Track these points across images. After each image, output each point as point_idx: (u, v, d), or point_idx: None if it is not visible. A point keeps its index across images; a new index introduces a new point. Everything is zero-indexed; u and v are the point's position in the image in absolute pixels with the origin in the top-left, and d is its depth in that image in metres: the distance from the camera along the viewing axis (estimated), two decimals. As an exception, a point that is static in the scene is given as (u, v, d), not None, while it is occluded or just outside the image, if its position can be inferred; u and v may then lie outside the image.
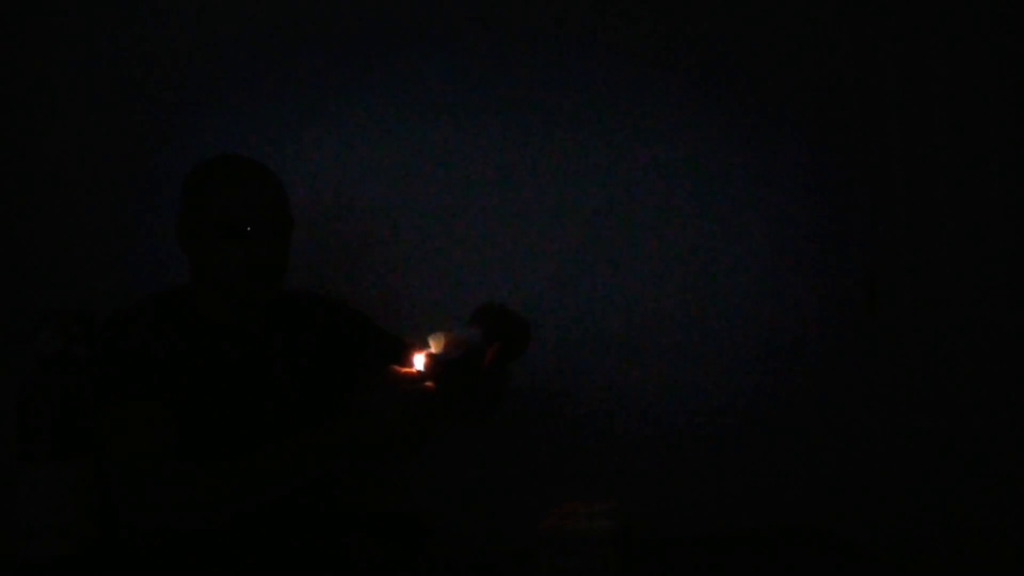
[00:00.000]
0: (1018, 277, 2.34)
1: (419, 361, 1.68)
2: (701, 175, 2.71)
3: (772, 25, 2.74)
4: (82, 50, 2.37)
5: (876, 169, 2.77)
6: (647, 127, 2.67)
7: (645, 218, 2.67)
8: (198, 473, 1.64)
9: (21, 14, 2.34)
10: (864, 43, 2.77)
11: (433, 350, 1.69)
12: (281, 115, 2.46)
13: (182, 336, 1.83)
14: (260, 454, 1.68)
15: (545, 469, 2.45)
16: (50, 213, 2.34)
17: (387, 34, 2.53)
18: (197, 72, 2.42)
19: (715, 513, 2.61)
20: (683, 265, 2.69)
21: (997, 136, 2.39)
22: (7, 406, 1.35)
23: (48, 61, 2.36)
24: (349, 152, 2.50)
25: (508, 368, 1.94)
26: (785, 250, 2.75)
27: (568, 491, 1.53)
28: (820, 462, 2.73)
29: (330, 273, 2.46)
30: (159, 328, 1.82)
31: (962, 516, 2.46)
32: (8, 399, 1.35)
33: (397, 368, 1.67)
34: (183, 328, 1.84)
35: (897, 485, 2.69)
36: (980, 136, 2.43)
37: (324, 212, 2.48)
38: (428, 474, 2.53)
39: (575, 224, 2.63)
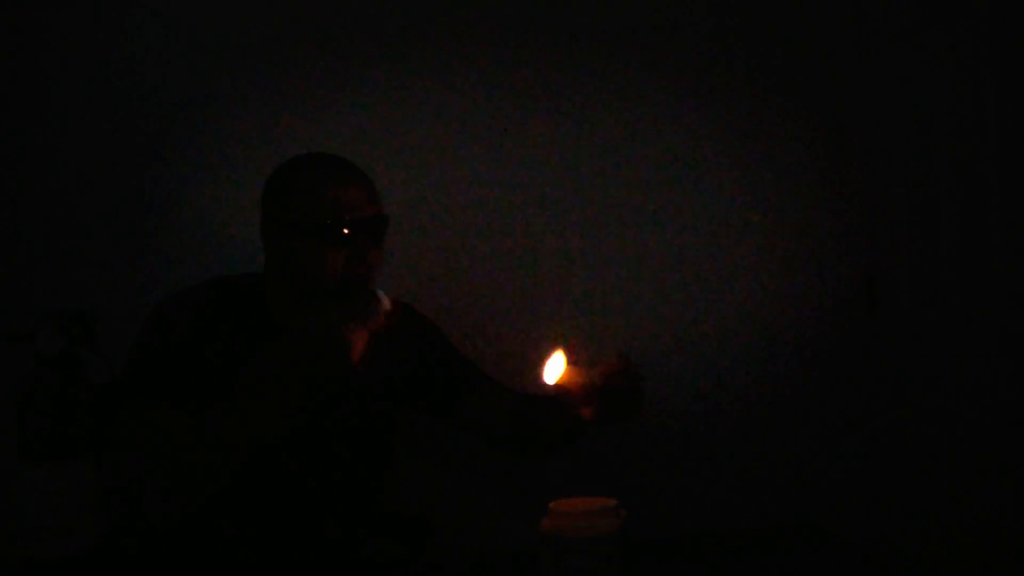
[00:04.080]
0: (1018, 277, 2.34)
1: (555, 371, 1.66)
2: (701, 175, 2.71)
3: (772, 25, 2.74)
4: (83, 49, 2.37)
5: (876, 169, 2.77)
6: (646, 127, 2.67)
7: (645, 217, 2.67)
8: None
9: (22, 13, 2.34)
10: (864, 42, 2.77)
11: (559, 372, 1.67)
12: (284, 114, 2.46)
13: (240, 331, 1.79)
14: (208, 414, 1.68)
15: (545, 469, 2.45)
16: (50, 213, 2.35)
17: (391, 32, 2.53)
18: (199, 71, 2.42)
19: (715, 513, 2.62)
20: (683, 264, 2.69)
21: (996, 136, 2.39)
22: (7, 406, 1.35)
23: (49, 60, 2.36)
24: (353, 151, 2.50)
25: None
26: (785, 250, 2.75)
27: (568, 491, 1.52)
28: (820, 462, 2.73)
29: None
30: (215, 320, 1.78)
31: (962, 516, 2.46)
32: (8, 399, 1.35)
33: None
34: (242, 322, 1.80)
35: (897, 485, 2.69)
36: (979, 136, 2.43)
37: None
38: (430, 475, 2.53)
39: (575, 224, 2.63)
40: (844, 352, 2.77)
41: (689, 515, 2.60)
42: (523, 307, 2.57)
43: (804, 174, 2.76)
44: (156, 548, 1.74)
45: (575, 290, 2.63)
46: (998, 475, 2.38)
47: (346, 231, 1.74)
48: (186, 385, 1.71)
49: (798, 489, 2.70)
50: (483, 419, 1.98)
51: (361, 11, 2.51)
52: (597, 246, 2.64)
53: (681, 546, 1.72)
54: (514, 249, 2.59)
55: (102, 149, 2.38)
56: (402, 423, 2.06)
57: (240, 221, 2.26)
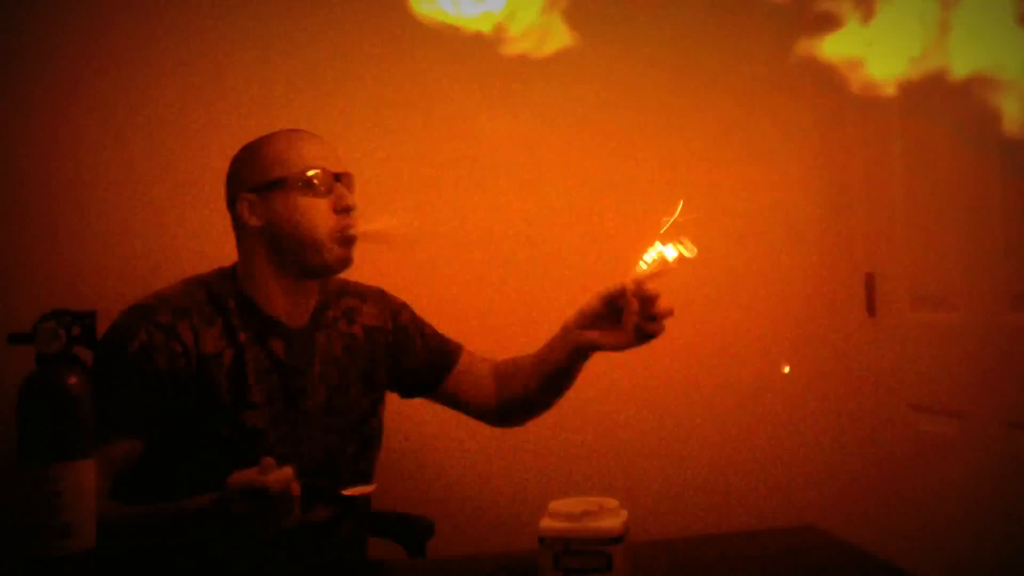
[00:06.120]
0: (1018, 277, 2.34)
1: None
2: (697, 174, 2.71)
3: (772, 22, 2.74)
4: (82, 49, 2.37)
5: (876, 169, 2.77)
6: (646, 125, 2.67)
7: (641, 216, 2.67)
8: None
9: (21, 11, 2.34)
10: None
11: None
12: (281, 113, 2.46)
13: (219, 327, 1.80)
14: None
15: (545, 469, 2.45)
16: (50, 213, 2.35)
17: (388, 29, 2.53)
18: (197, 71, 2.42)
19: (715, 513, 2.62)
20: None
21: (996, 136, 2.39)
22: (7, 406, 1.35)
23: (48, 61, 2.36)
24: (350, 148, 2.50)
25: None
26: (785, 250, 2.75)
27: (568, 491, 1.52)
28: (820, 462, 2.73)
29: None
30: (205, 327, 1.78)
31: (962, 516, 2.46)
32: (8, 399, 1.35)
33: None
34: (221, 318, 1.80)
35: (896, 485, 2.69)
36: (979, 136, 2.43)
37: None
38: (430, 475, 2.53)
39: (573, 222, 2.64)
40: (844, 352, 2.77)
41: (689, 515, 2.60)
42: (513, 309, 2.57)
43: (804, 173, 2.76)
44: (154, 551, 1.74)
45: (569, 290, 2.62)
46: (997, 475, 2.38)
47: (336, 175, 1.81)
48: (183, 416, 1.72)
49: (798, 489, 2.70)
50: (465, 392, 2.01)
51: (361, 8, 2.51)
52: (595, 245, 2.64)
53: (681, 547, 1.72)
54: (507, 250, 2.59)
55: (102, 148, 2.38)
56: (402, 423, 2.06)
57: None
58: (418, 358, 2.02)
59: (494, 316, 2.54)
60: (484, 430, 2.11)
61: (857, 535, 1.78)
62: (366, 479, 1.97)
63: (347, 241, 1.82)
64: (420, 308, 2.10)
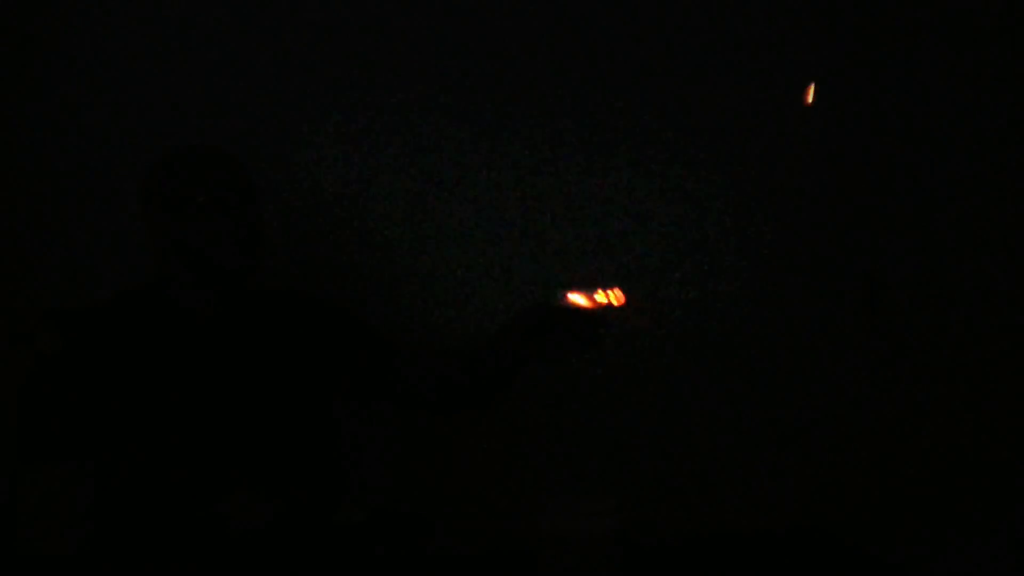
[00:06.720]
0: (1018, 277, 2.34)
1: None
2: (700, 173, 2.70)
3: (770, 20, 2.74)
4: (81, 50, 2.37)
5: (876, 169, 2.76)
6: (646, 123, 2.67)
7: (645, 216, 2.67)
8: None
9: (21, 14, 2.35)
10: (863, 41, 2.77)
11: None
12: (280, 115, 2.46)
13: (142, 327, 1.81)
14: None
15: (545, 468, 2.45)
16: (50, 213, 2.35)
17: (387, 32, 2.53)
18: (197, 71, 2.43)
19: (715, 514, 2.62)
20: (683, 264, 2.69)
21: (996, 136, 2.39)
22: (7, 406, 1.35)
23: (47, 61, 2.36)
24: (350, 152, 2.50)
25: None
26: (785, 250, 2.75)
27: (568, 490, 1.52)
28: (820, 463, 2.73)
29: (330, 273, 2.46)
30: (115, 321, 1.79)
31: (962, 516, 2.46)
32: (8, 399, 1.35)
33: None
34: (146, 318, 1.82)
35: (897, 485, 2.69)
36: (979, 136, 2.43)
37: (324, 213, 2.48)
38: (429, 474, 2.53)
39: (574, 221, 2.63)
40: (844, 352, 2.76)
41: (689, 515, 2.60)
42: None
43: (804, 172, 2.76)
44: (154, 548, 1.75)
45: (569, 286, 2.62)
46: (997, 475, 2.38)
47: (200, 200, 1.81)
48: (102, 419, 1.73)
49: (798, 490, 2.70)
50: (409, 387, 2.00)
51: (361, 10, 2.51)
52: (596, 246, 2.64)
53: (682, 547, 1.72)
54: (499, 251, 2.59)
55: (102, 148, 2.38)
56: (401, 424, 2.06)
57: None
58: (354, 359, 2.01)
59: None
60: (483, 428, 2.11)
61: (857, 535, 1.78)
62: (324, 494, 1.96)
63: (226, 256, 1.84)
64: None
